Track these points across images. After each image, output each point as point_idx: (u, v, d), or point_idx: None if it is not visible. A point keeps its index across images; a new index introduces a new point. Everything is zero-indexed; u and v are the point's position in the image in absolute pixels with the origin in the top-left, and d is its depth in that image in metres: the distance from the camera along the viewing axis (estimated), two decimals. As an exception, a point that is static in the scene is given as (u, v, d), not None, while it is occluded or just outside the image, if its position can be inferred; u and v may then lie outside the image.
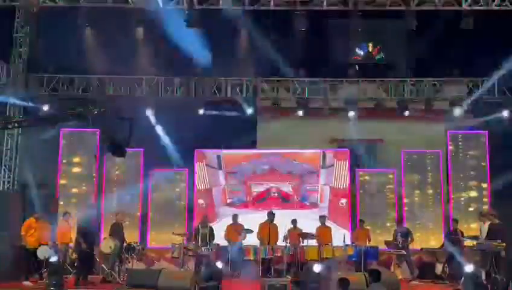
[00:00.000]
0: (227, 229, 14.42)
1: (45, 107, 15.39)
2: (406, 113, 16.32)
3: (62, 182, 15.70)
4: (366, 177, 16.09)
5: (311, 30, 15.03)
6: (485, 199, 15.48)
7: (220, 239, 14.16)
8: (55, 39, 14.86)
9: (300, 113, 16.43)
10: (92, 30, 15.18)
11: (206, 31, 14.88)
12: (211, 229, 13.83)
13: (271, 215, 14.33)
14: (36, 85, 16.23)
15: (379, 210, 15.74)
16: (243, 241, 13.99)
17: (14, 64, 15.99)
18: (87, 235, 12.21)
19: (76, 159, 15.88)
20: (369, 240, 14.14)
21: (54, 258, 11.55)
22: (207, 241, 13.40)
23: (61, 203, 15.19)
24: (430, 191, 15.83)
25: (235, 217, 14.61)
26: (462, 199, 15.63)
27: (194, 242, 13.46)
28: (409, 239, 13.76)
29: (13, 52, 16.04)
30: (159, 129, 16.56)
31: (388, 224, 15.40)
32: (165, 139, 16.51)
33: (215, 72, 16.19)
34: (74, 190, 15.70)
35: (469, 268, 11.06)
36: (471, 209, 15.28)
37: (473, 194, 15.62)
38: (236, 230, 14.18)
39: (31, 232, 12.26)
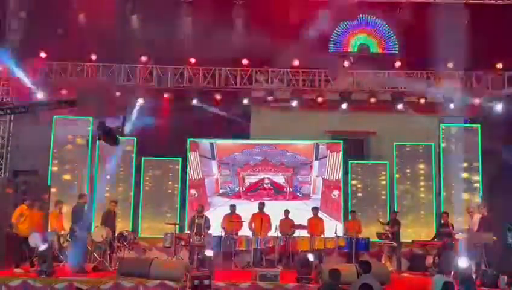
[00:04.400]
0: (224, 220, 14.40)
1: (38, 94, 15.32)
2: (400, 105, 16.32)
3: (54, 169, 15.64)
4: (359, 169, 16.13)
5: (307, 21, 15.01)
6: (477, 192, 15.55)
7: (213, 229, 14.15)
8: (48, 25, 14.75)
9: (294, 104, 16.40)
10: (85, 16, 15.07)
11: (200, 20, 14.82)
12: (207, 219, 13.82)
13: (261, 205, 14.50)
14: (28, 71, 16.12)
15: (371, 202, 15.79)
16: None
17: (6, 50, 15.85)
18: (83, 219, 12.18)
19: (68, 147, 15.81)
20: (360, 231, 14.20)
21: (45, 246, 11.50)
22: (202, 230, 13.39)
23: (53, 191, 15.12)
24: (422, 184, 15.90)
25: (232, 207, 14.61)
26: (454, 191, 15.68)
27: (188, 231, 13.46)
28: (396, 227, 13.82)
29: (5, 38, 15.89)
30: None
31: (380, 215, 15.46)
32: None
33: (210, 61, 16.14)
34: (66, 178, 15.63)
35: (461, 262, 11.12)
36: (462, 202, 15.33)
37: (465, 187, 15.68)
38: (232, 221, 14.19)
39: (23, 220, 12.21)
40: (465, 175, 15.74)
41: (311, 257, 11.01)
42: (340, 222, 15.21)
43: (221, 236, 13.90)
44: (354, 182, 16.01)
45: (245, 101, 16.47)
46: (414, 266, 13.84)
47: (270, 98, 16.49)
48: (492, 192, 15.07)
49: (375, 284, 8.42)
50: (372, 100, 16.35)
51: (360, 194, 15.95)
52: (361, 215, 15.08)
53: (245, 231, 14.30)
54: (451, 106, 16.05)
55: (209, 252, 11.42)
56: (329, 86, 16.47)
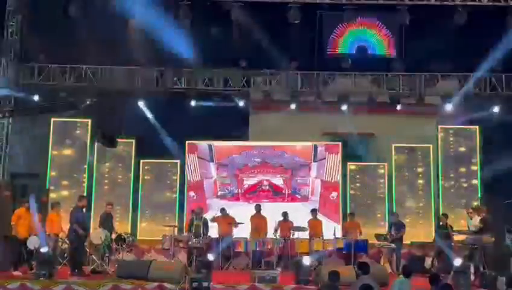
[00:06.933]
0: (216, 222, 14.35)
1: (36, 97, 15.33)
2: (398, 107, 16.36)
3: (53, 172, 15.62)
4: (357, 171, 16.13)
5: (304, 23, 15.03)
6: (475, 194, 15.55)
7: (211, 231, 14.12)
8: (47, 28, 14.75)
9: (292, 106, 16.42)
10: (84, 19, 15.07)
11: (198, 23, 14.83)
12: (205, 221, 13.80)
13: (257, 207, 14.43)
14: (27, 74, 16.12)
15: (370, 204, 15.79)
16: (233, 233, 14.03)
17: (5, 53, 15.86)
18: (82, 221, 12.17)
19: (67, 150, 15.79)
20: (360, 233, 14.16)
21: (44, 249, 11.48)
22: (201, 232, 13.36)
23: (52, 194, 15.10)
24: (421, 186, 15.90)
25: (222, 211, 14.54)
26: (453, 193, 15.69)
27: (187, 233, 13.43)
28: (402, 231, 13.78)
29: (4, 41, 15.90)
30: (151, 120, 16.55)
31: (378, 217, 15.46)
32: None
33: (208, 63, 16.15)
34: (65, 181, 15.62)
35: (458, 262, 11.10)
36: (461, 203, 15.34)
37: (464, 188, 15.68)
38: (225, 223, 14.14)
39: (21, 222, 12.19)
40: (463, 177, 15.75)
41: (307, 260, 11.02)
42: (338, 224, 15.20)
43: (219, 238, 13.88)
44: (352, 183, 16.00)
45: (243, 103, 16.48)
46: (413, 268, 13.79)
47: (268, 99, 16.50)
48: (491, 193, 15.07)
49: (375, 285, 8.41)
50: (371, 102, 16.38)
51: (358, 196, 15.94)
52: (360, 216, 15.05)
53: (238, 233, 14.23)
54: (450, 107, 16.10)
55: (210, 256, 11.39)
56: (328, 87, 16.49)
